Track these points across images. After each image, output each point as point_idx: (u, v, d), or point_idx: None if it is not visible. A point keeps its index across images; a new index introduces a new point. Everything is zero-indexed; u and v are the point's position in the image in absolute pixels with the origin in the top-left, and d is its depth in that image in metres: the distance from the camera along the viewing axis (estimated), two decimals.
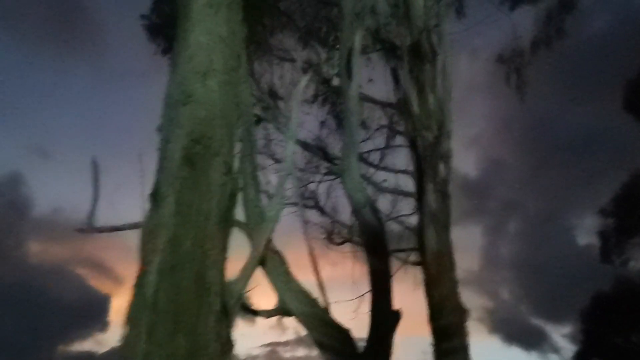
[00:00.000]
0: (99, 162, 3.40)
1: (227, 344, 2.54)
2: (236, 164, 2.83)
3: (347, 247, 8.85)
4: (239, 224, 5.42)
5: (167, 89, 2.67)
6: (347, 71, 6.16)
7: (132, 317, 2.25)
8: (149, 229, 2.45)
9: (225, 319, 2.53)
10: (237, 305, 2.65)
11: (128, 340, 2.18)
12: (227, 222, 2.63)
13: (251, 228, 5.32)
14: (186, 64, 2.63)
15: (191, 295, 2.37)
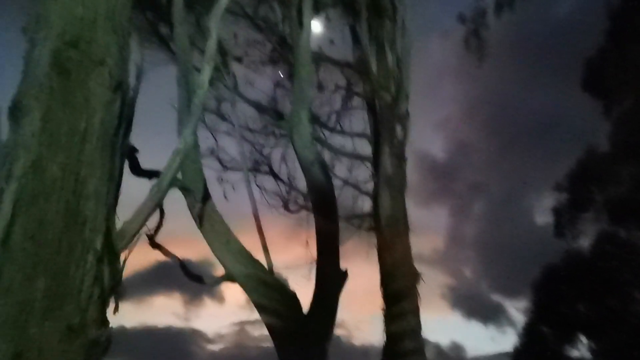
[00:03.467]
0: None
1: (114, 290, 2.10)
2: (132, 81, 2.33)
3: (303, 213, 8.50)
4: (176, 182, 4.93)
5: None
6: (299, 20, 5.68)
7: None
8: (5, 151, 1.95)
9: (112, 262, 2.08)
10: (129, 247, 2.19)
11: None
12: (115, 149, 2.15)
13: (189, 187, 4.86)
14: None
15: (58, 231, 1.90)
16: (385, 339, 6.18)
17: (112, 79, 2.12)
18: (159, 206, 2.37)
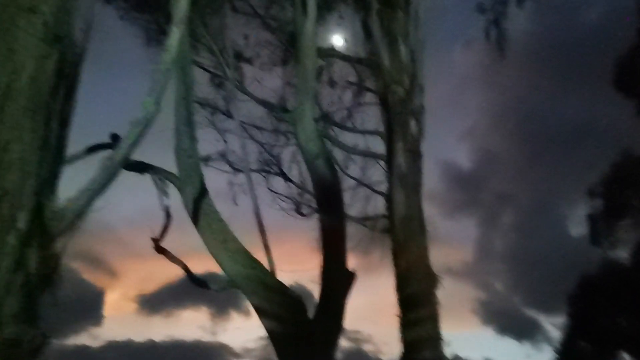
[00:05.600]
0: None
1: (47, 279, 1.73)
2: (77, 37, 1.99)
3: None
4: (167, 175, 4.63)
5: None
6: (303, 8, 5.35)
7: None
8: None
9: (44, 245, 1.71)
10: (70, 230, 1.83)
11: None
12: (52, 112, 1.81)
13: (182, 180, 4.54)
14: None
15: None
16: (401, 347, 5.61)
17: (47, 30, 1.78)
18: (110, 182, 2.00)
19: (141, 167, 4.28)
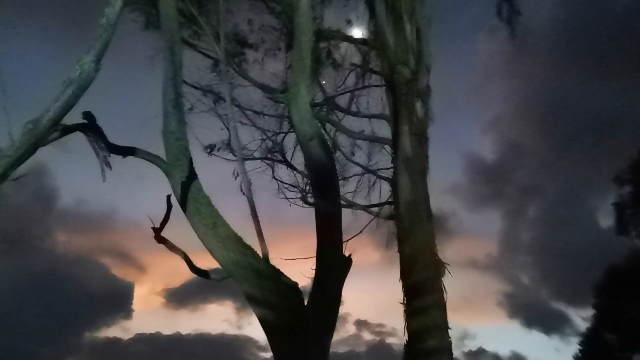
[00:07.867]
0: None
1: None
2: None
3: None
4: (154, 158, 4.43)
5: None
6: None
7: None
8: None
9: None
10: None
11: None
12: None
13: (170, 164, 4.34)
14: None
15: None
16: (406, 336, 5.32)
17: None
18: (35, 150, 1.77)
19: (125, 151, 4.11)
